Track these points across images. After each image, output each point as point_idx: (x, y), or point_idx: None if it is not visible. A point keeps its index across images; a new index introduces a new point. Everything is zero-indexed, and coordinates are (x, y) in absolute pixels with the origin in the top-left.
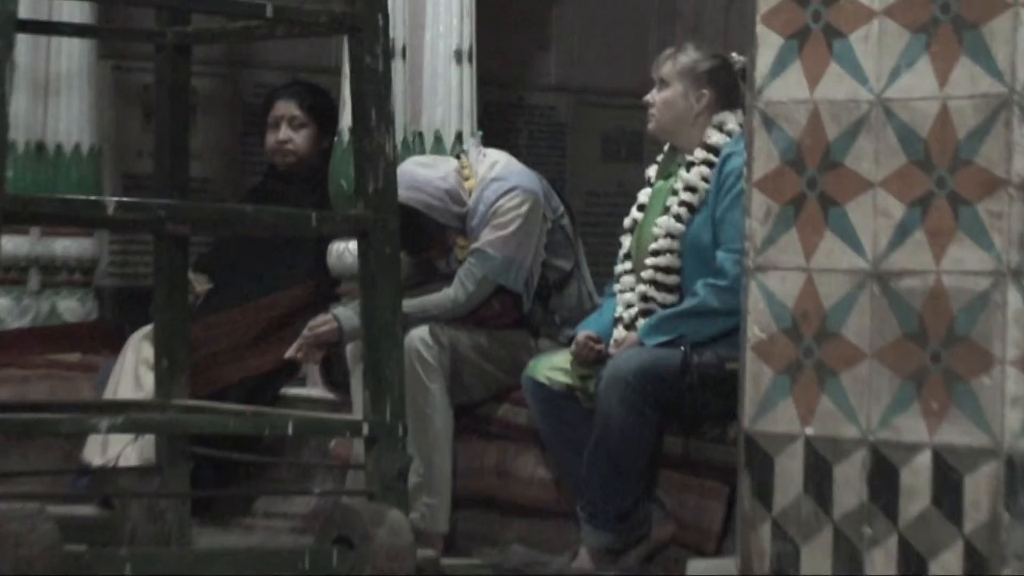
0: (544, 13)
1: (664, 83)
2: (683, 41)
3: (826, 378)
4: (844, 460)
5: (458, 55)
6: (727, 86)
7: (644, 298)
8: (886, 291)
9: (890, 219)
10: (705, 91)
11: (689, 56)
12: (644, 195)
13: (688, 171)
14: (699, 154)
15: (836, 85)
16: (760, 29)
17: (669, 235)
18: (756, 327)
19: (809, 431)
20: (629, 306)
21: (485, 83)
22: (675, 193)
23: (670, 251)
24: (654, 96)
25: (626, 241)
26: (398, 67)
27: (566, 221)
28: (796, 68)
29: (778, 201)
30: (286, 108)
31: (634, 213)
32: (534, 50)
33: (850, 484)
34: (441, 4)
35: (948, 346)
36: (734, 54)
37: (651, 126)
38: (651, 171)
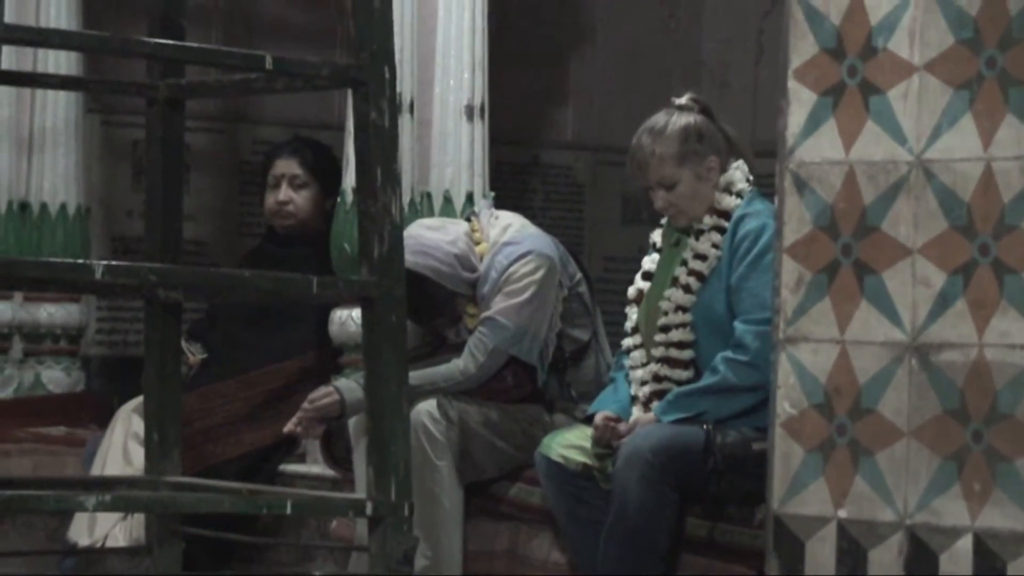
0: (561, 66)
1: (666, 184)
2: (665, 109)
3: (861, 458)
4: (879, 545)
5: (469, 111)
6: (715, 134)
7: (657, 378)
8: (925, 365)
9: (930, 288)
10: (710, 158)
11: (670, 136)
12: (649, 262)
13: (697, 239)
14: (708, 220)
15: (873, 145)
16: (792, 85)
17: (680, 308)
18: (786, 403)
19: (842, 514)
20: (643, 383)
21: (498, 140)
22: (684, 263)
23: (682, 325)
24: (666, 199)
25: (632, 313)
26: (405, 123)
27: (584, 288)
28: (830, 127)
29: (810, 268)
30: (286, 167)
31: (639, 283)
32: (550, 105)
33: (886, 571)
34: (451, 56)
35: (991, 424)
36: (684, 98)
37: (683, 223)
38: (656, 236)
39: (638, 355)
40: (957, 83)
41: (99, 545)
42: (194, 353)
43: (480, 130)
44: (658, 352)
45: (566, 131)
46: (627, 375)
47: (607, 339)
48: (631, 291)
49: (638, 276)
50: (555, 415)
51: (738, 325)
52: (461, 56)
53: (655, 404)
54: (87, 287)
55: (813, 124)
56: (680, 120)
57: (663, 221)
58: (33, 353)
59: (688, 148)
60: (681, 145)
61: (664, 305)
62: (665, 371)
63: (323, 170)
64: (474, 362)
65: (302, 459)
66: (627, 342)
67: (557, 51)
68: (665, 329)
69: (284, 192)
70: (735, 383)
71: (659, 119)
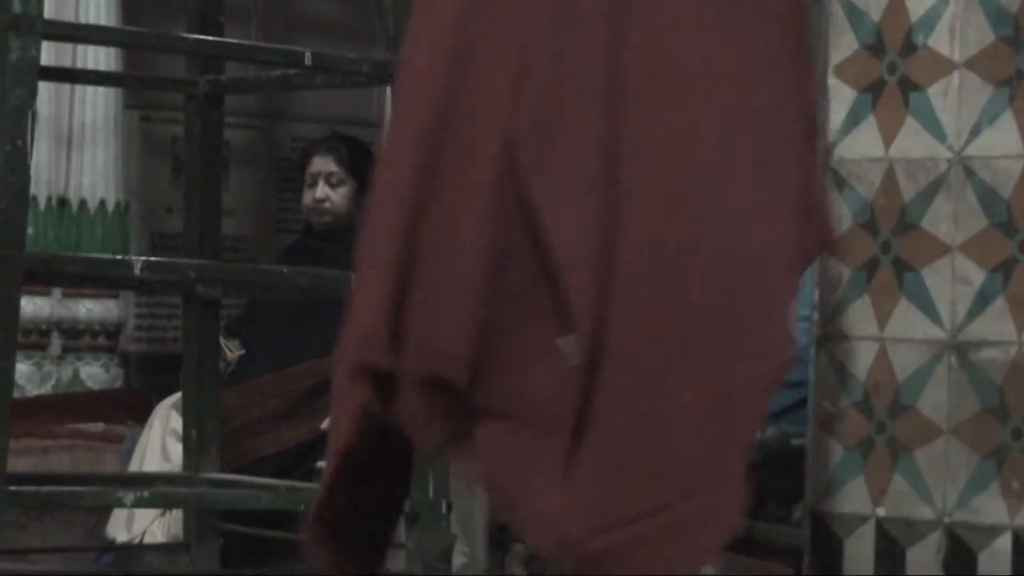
0: None
1: None
2: None
3: (899, 455)
4: (918, 543)
5: None
6: None
7: None
8: (964, 363)
9: (969, 286)
10: None
11: None
12: None
13: None
14: None
15: (913, 142)
16: (832, 82)
17: None
18: (824, 400)
19: (881, 512)
20: None
21: None
22: None
23: None
24: None
25: None
26: None
27: None
28: (870, 123)
29: (849, 266)
30: (323, 164)
31: None
32: None
33: (925, 569)
34: None
35: None
36: None
37: None
38: None
39: None
40: (997, 80)
41: (137, 541)
42: (231, 349)
43: None
44: None
45: None
46: None
47: None
48: None
49: None
50: None
51: None
52: None
53: None
54: (126, 283)
55: (853, 121)
56: None
57: None
58: (71, 349)
59: None
60: None
61: None
62: None
63: (360, 167)
64: None
65: None
66: None
67: None
68: None
69: (321, 190)
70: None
71: None
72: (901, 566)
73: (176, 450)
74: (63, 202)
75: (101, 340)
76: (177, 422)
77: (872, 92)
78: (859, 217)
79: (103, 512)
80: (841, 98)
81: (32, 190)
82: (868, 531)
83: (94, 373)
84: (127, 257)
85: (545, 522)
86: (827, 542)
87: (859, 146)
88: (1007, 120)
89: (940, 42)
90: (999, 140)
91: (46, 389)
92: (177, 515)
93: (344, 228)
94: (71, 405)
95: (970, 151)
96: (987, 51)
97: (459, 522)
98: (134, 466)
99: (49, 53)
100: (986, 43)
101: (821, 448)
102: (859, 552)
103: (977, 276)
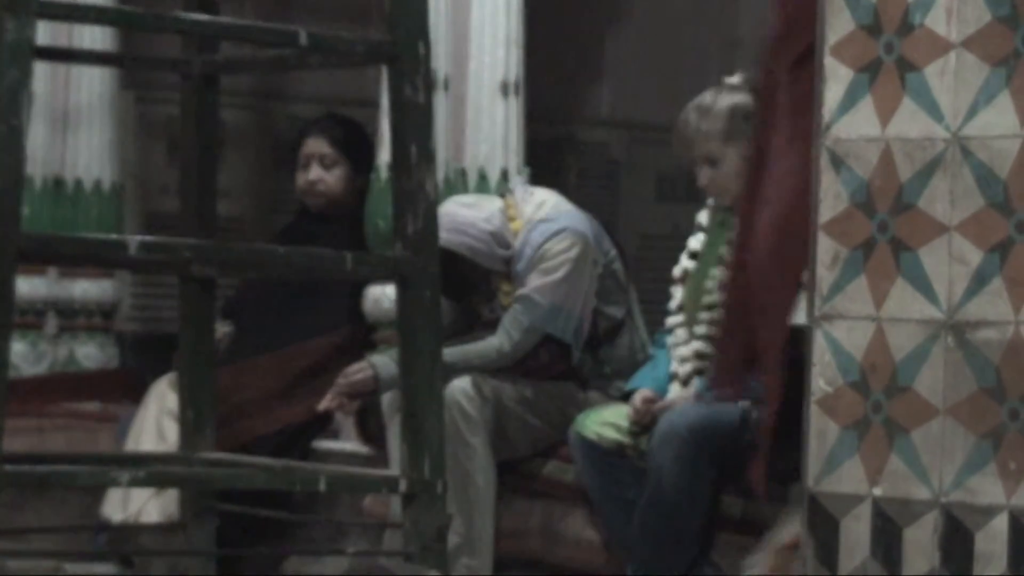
0: (597, 43)
1: (712, 160)
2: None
3: (896, 435)
4: (914, 523)
5: (504, 87)
6: None
7: (699, 355)
8: (961, 343)
9: (966, 266)
10: None
11: (717, 114)
12: (696, 242)
13: None
14: None
15: (909, 122)
16: (829, 61)
17: None
18: (821, 380)
19: (877, 492)
20: (684, 360)
21: (533, 117)
22: (729, 242)
23: None
24: (709, 176)
25: (678, 292)
26: (440, 100)
27: (618, 266)
28: (867, 103)
29: (846, 246)
30: (316, 146)
31: (685, 262)
32: (585, 82)
33: (921, 549)
34: (487, 33)
35: None
36: (735, 77)
37: (726, 202)
38: (702, 216)
39: (682, 333)
40: (994, 60)
41: (132, 521)
42: (218, 328)
43: (515, 107)
44: (701, 330)
45: (601, 108)
46: (667, 353)
47: (641, 316)
48: (676, 271)
49: (683, 256)
50: (589, 392)
51: None
52: (496, 32)
53: (696, 380)
54: (122, 263)
55: (850, 101)
56: (728, 99)
57: (709, 201)
58: (67, 329)
59: (734, 126)
60: (727, 123)
61: (709, 284)
62: (707, 349)
63: (353, 148)
64: (509, 340)
65: (335, 436)
66: (671, 320)
67: (592, 28)
68: (710, 307)
69: (314, 171)
70: None
71: (707, 97)
72: (897, 546)
73: (171, 429)
74: (58, 183)
75: (96, 320)
76: (172, 401)
77: (869, 72)
78: (856, 197)
79: (98, 492)
80: (838, 78)
81: (27, 171)
82: (864, 511)
83: (89, 353)
84: (122, 237)
85: None
86: (823, 522)
87: (856, 126)
88: (1004, 100)
89: (937, 22)
90: (996, 120)
91: (41, 369)
92: (172, 495)
93: (339, 210)
94: (66, 385)
95: (967, 131)
96: (984, 31)
97: (455, 503)
98: (129, 445)
99: (44, 33)
100: (983, 23)
101: (818, 428)
102: (855, 532)
103: (974, 256)
